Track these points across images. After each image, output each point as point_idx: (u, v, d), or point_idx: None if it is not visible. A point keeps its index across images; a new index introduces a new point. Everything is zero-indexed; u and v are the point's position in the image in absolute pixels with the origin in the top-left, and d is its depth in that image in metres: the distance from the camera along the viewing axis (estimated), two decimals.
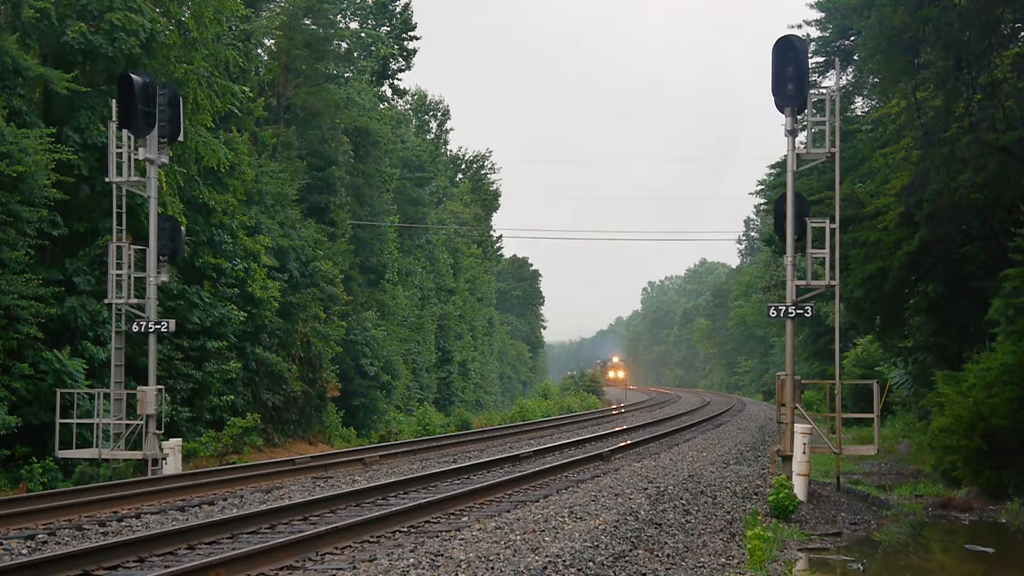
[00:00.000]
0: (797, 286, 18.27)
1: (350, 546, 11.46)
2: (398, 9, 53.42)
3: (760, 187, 57.77)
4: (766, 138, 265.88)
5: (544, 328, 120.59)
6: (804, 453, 16.83)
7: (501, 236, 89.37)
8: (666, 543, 11.79)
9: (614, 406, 61.93)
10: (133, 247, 20.75)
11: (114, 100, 20.51)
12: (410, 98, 67.36)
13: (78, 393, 20.54)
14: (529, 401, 57.08)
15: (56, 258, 22.45)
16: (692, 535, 12.60)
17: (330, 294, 35.49)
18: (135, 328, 20.31)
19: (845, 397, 20.74)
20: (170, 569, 9.60)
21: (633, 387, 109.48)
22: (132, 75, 20.24)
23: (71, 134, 22.33)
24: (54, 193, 20.71)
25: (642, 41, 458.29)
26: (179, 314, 24.72)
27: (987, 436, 18.67)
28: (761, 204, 71.30)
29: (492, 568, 9.71)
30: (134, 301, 20.48)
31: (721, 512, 14.48)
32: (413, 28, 54.18)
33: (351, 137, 41.84)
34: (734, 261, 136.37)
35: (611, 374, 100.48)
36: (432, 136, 71.06)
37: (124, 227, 20.81)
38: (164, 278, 20.88)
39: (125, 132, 20.32)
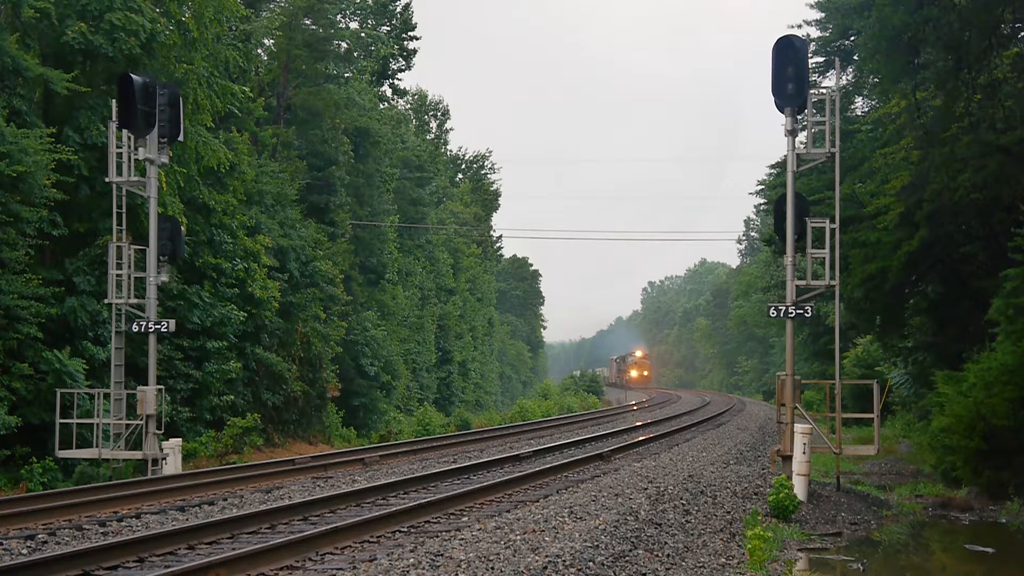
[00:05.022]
0: (797, 286, 18.27)
1: (350, 546, 11.46)
2: (398, 9, 53.43)
3: (760, 187, 57.78)
4: (766, 138, 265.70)
5: (544, 328, 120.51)
6: (804, 453, 16.83)
7: (501, 236, 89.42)
8: (666, 543, 11.79)
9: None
10: (133, 247, 20.76)
11: (114, 100, 20.51)
12: (410, 98, 67.43)
13: (78, 393, 20.54)
14: (529, 401, 57.09)
15: (56, 258, 22.46)
16: (692, 535, 12.60)
17: (330, 294, 35.50)
18: (135, 328, 20.31)
19: (845, 397, 20.74)
20: (170, 569, 9.60)
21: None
22: (132, 75, 20.24)
23: (71, 134, 22.33)
24: (54, 193, 20.72)
25: (642, 41, 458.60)
26: (179, 314, 24.74)
27: (987, 436, 18.67)
28: (761, 204, 71.34)
29: (492, 568, 9.71)
30: (134, 301, 20.48)
31: (721, 512, 14.48)
32: (413, 28, 54.20)
33: (351, 137, 41.84)
34: (734, 261, 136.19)
35: (633, 373, 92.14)
36: (432, 136, 71.07)
37: (124, 227, 20.82)
38: (164, 278, 20.88)
39: (125, 132, 20.33)
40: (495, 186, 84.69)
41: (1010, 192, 21.74)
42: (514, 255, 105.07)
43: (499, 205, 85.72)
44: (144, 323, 20.25)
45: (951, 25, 20.64)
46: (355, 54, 46.28)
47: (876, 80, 31.55)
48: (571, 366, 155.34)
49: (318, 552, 11.00)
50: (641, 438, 28.11)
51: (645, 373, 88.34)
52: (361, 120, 42.47)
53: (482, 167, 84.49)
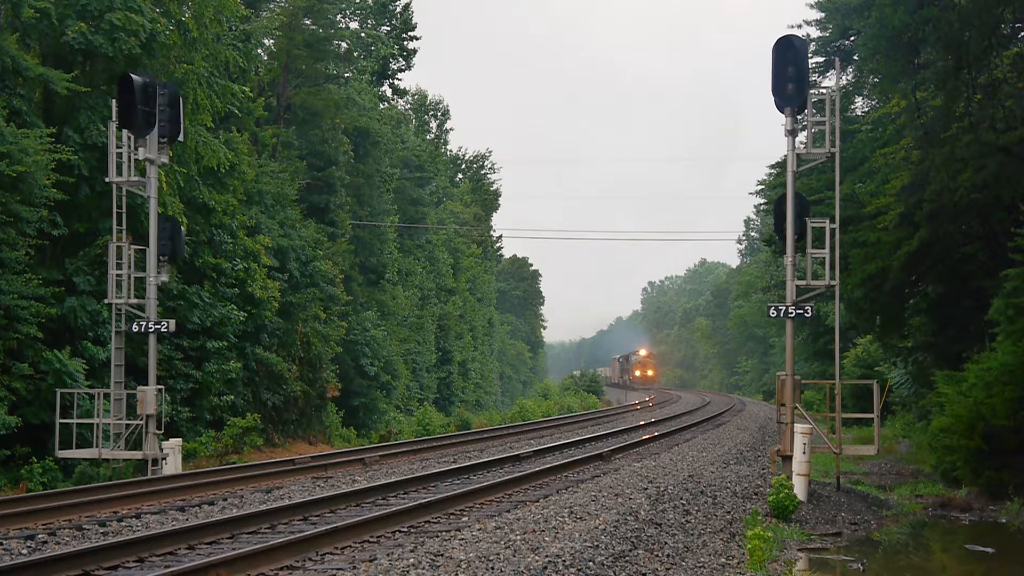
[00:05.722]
0: (797, 286, 18.27)
1: (350, 546, 11.46)
2: (398, 9, 53.45)
3: (760, 187, 57.69)
4: (766, 138, 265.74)
5: (544, 328, 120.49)
6: (804, 453, 16.83)
7: (501, 236, 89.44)
8: (666, 543, 11.79)
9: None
10: (133, 247, 20.75)
11: (114, 100, 20.50)
12: (410, 98, 67.45)
13: (78, 393, 20.54)
14: (529, 401, 57.10)
15: (56, 258, 22.46)
16: (692, 535, 12.60)
17: (330, 294, 35.51)
18: (135, 328, 20.31)
19: (845, 397, 20.74)
20: (170, 569, 9.60)
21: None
22: (132, 75, 20.24)
23: (71, 134, 22.34)
24: (54, 193, 20.72)
25: (642, 41, 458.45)
26: (179, 314, 24.74)
27: (987, 436, 18.67)
28: (761, 204, 71.20)
29: (492, 568, 9.71)
30: (134, 301, 20.48)
31: (721, 512, 14.49)
32: (413, 28, 54.22)
33: (351, 137, 41.85)
34: (734, 261, 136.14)
35: (637, 372, 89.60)
36: (432, 136, 71.09)
37: (124, 227, 20.82)
38: (164, 278, 20.88)
39: (125, 132, 20.32)
40: (495, 186, 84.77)
41: (1010, 192, 21.74)
42: (514, 255, 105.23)
43: (499, 205, 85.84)
44: (144, 323, 20.25)
45: (951, 25, 20.64)
46: (355, 54, 46.29)
47: (876, 80, 31.55)
48: (571, 366, 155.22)
49: (318, 552, 11.00)
50: (641, 438, 28.11)
51: (650, 373, 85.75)
52: (361, 120, 42.47)
53: (482, 167, 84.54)
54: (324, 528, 11.73)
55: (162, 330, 20.39)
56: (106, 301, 20.86)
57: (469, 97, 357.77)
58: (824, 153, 18.47)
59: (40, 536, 12.19)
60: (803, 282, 18.33)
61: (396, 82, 56.56)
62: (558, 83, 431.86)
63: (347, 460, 21.87)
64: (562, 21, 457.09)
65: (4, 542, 11.73)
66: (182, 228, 21.77)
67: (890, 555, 14.10)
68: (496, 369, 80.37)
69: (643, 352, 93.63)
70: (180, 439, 21.13)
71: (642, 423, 37.07)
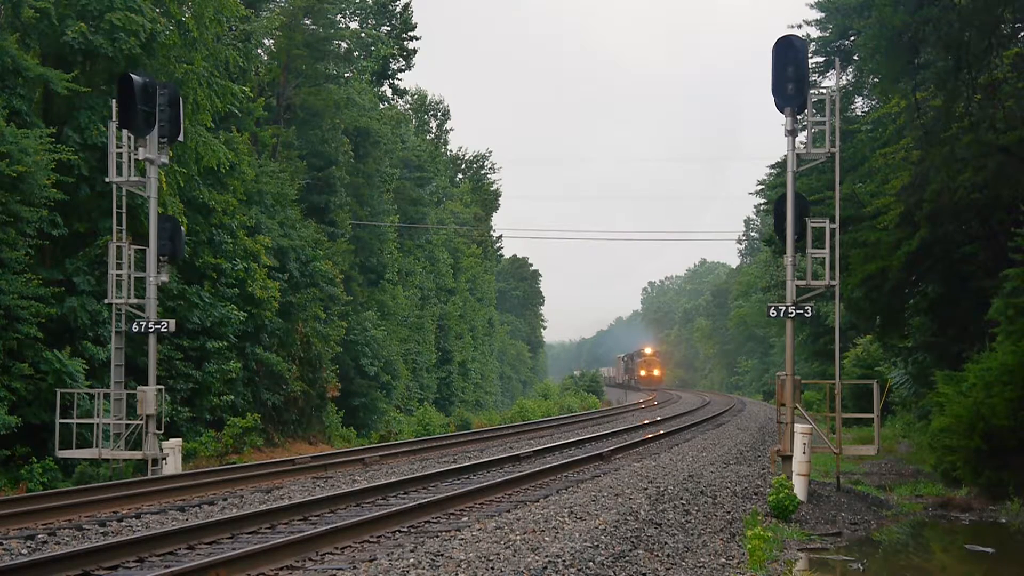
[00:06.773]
0: (797, 286, 18.27)
1: (350, 546, 11.46)
2: (398, 9, 53.46)
3: (760, 187, 57.73)
4: (766, 138, 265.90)
5: (544, 328, 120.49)
6: (804, 453, 16.82)
7: (501, 236, 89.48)
8: (666, 543, 11.79)
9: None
10: (133, 247, 20.75)
11: (114, 100, 20.50)
12: (410, 98, 67.46)
13: (78, 393, 20.54)
14: (529, 401, 57.12)
15: (56, 258, 22.46)
16: (692, 535, 12.60)
17: (330, 294, 35.51)
18: (135, 328, 20.31)
19: (845, 397, 20.73)
20: (170, 569, 9.60)
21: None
22: (132, 75, 20.23)
23: (71, 134, 22.34)
24: (54, 193, 20.71)
25: (642, 40, 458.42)
26: (179, 314, 24.74)
27: (987, 436, 18.66)
28: (761, 204, 71.22)
29: (492, 568, 9.71)
30: (134, 301, 20.48)
31: (721, 512, 14.48)
32: (413, 28, 54.25)
33: (351, 137, 41.86)
34: (734, 261, 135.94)
35: (642, 372, 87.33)
36: (432, 136, 71.09)
37: (124, 227, 20.81)
38: (164, 278, 20.87)
39: (125, 132, 20.31)
40: (495, 186, 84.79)
41: (1010, 192, 21.74)
42: (514, 255, 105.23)
43: (499, 205, 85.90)
44: (144, 323, 20.24)
45: (951, 25, 20.64)
46: (355, 54, 46.29)
47: (876, 80, 31.55)
48: (571, 366, 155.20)
49: (318, 552, 10.99)
50: (641, 438, 28.11)
51: (655, 372, 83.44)
52: (361, 120, 42.49)
53: (482, 167, 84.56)
54: (324, 528, 11.73)
55: (162, 330, 20.39)
56: (106, 301, 20.86)
57: (469, 97, 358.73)
58: (824, 153, 18.46)
59: (40, 536, 12.19)
60: (803, 282, 18.33)
61: (396, 82, 56.64)
62: (558, 83, 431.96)
63: (347, 460, 21.86)
64: (562, 21, 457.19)
65: (4, 542, 11.73)
66: (182, 228, 21.77)
67: (890, 555, 14.09)
68: (496, 369, 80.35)
69: (648, 351, 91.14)
70: (180, 439, 21.12)
71: (643, 423, 37.07)
